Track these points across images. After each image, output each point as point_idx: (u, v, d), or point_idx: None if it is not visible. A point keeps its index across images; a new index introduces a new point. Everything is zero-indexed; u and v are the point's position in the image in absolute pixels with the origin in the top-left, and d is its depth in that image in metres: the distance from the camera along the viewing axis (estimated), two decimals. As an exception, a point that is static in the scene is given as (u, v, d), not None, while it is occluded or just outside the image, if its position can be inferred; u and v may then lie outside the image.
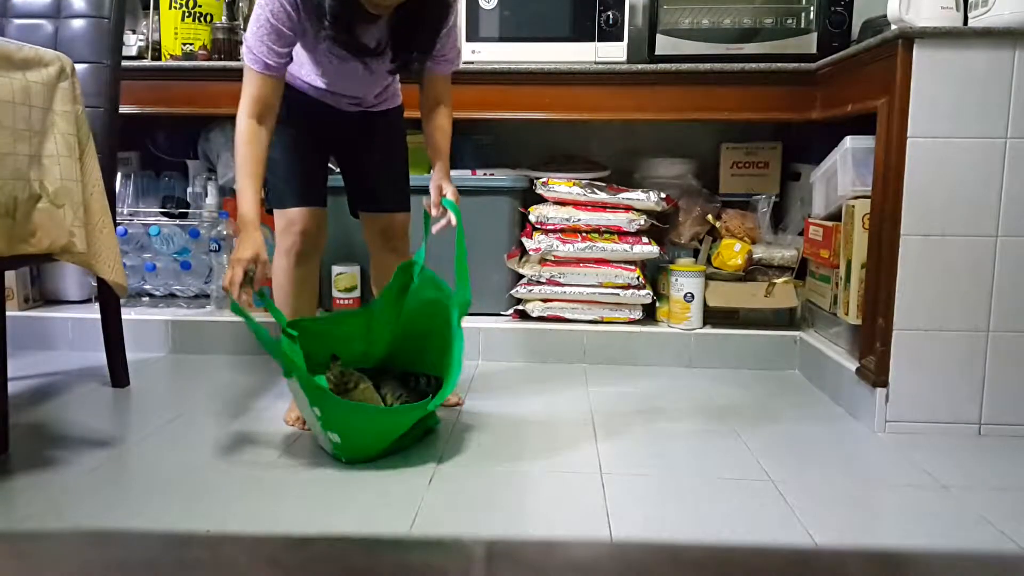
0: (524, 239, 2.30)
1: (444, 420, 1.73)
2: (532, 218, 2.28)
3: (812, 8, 2.19)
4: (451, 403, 1.83)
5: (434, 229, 1.67)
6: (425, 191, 1.70)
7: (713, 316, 2.28)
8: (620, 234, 2.26)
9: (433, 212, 1.67)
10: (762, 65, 2.15)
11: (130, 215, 2.44)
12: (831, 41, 2.17)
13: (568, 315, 2.27)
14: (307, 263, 1.71)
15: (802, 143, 2.39)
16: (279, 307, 1.69)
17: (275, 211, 1.70)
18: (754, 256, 2.27)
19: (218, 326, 2.29)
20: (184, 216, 2.46)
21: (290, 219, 1.67)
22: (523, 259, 2.32)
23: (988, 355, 1.66)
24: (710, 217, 2.34)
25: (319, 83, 1.65)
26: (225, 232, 2.35)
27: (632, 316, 2.27)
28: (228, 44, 2.35)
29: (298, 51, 1.62)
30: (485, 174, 2.37)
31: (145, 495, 1.33)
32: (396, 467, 1.46)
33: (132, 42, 2.37)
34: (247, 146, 1.51)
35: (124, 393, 1.91)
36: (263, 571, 1.06)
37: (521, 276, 2.31)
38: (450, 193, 1.66)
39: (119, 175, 2.28)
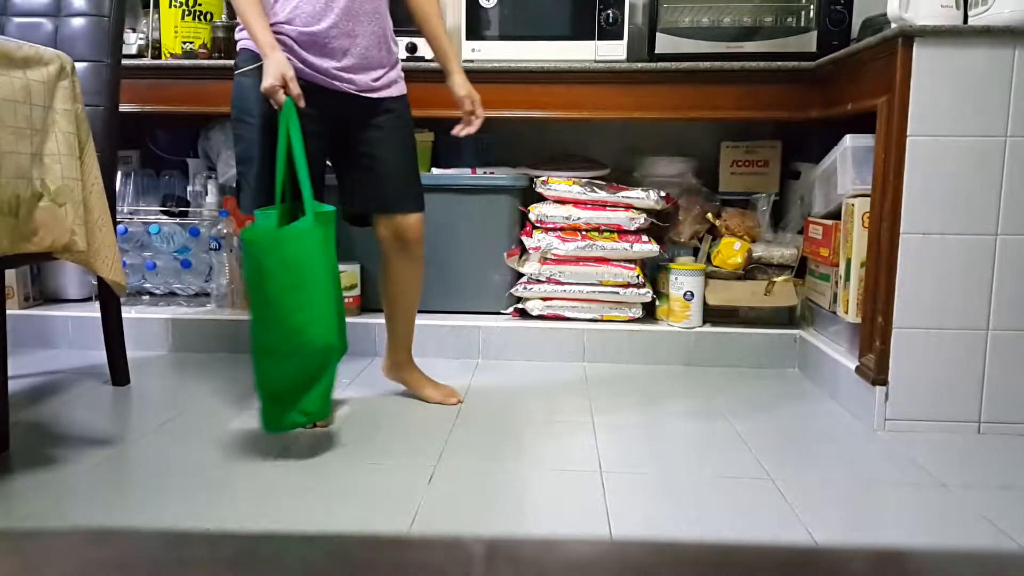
0: (524, 237, 2.30)
1: (443, 419, 1.73)
2: (532, 216, 2.28)
3: (812, 6, 2.19)
4: (451, 402, 1.82)
5: (460, 132, 1.78)
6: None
7: (713, 314, 2.28)
8: (620, 232, 2.26)
9: (465, 122, 1.76)
10: (762, 64, 2.15)
11: (130, 213, 2.44)
12: (831, 39, 2.16)
13: (568, 313, 2.28)
14: None
15: (802, 141, 2.39)
16: None
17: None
18: (754, 254, 2.27)
19: (218, 324, 2.29)
20: (184, 215, 2.46)
21: None
22: (523, 257, 2.32)
23: (987, 353, 1.66)
24: (710, 215, 2.34)
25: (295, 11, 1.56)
26: (225, 231, 2.34)
27: (632, 315, 2.28)
28: (228, 43, 2.35)
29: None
30: (485, 172, 2.36)
31: (145, 494, 1.33)
32: (396, 466, 1.47)
33: (132, 40, 2.37)
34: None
35: (124, 392, 1.91)
36: (263, 570, 1.06)
37: (521, 274, 2.31)
38: (479, 107, 1.76)
39: (119, 174, 2.28)
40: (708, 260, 2.32)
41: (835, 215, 1.97)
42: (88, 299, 2.48)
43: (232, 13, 2.41)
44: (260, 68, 1.53)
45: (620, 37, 2.21)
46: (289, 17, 1.56)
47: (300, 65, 1.57)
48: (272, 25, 1.55)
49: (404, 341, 1.87)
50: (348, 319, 2.28)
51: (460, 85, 1.74)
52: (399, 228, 1.74)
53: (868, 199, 1.76)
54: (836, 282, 1.96)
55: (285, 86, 1.48)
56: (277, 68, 1.48)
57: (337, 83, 1.62)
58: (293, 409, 1.48)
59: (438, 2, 1.75)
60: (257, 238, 1.45)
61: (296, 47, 1.57)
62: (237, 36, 1.64)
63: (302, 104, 1.50)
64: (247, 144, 1.61)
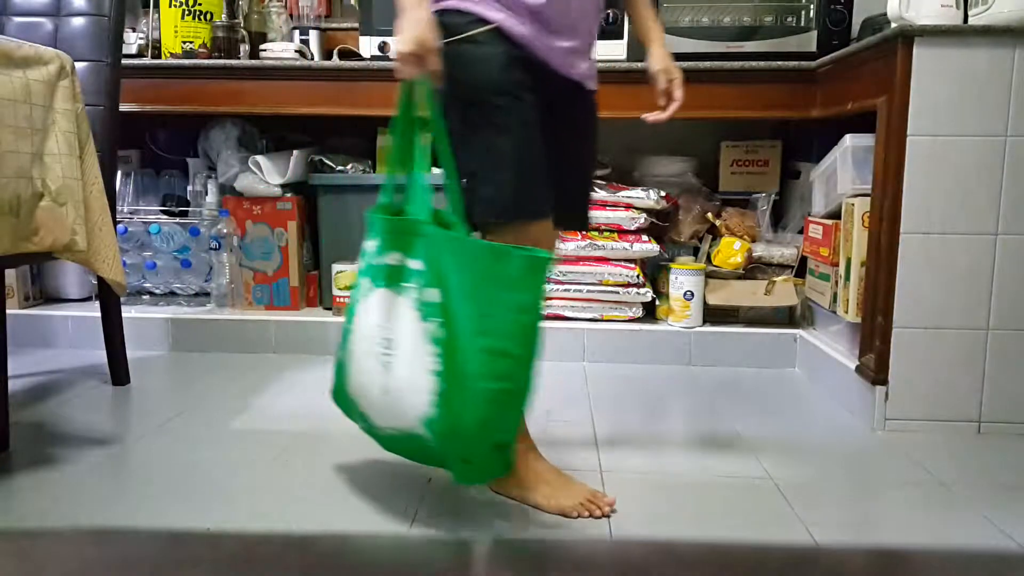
0: (524, 237, 2.30)
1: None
2: (532, 216, 2.28)
3: (812, 6, 2.19)
4: (601, 512, 1.27)
5: (652, 118, 1.46)
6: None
7: (713, 314, 2.28)
8: (620, 232, 2.26)
9: (661, 103, 1.45)
10: (762, 63, 2.15)
11: (130, 213, 2.44)
12: (831, 39, 2.16)
13: (568, 313, 2.27)
14: None
15: (802, 141, 2.39)
16: None
17: (503, 226, 1.22)
18: (754, 254, 2.27)
19: (218, 324, 2.29)
20: (184, 214, 2.46)
21: (534, 238, 1.22)
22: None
23: (988, 353, 1.66)
24: (710, 215, 2.34)
25: None
26: (225, 230, 2.34)
27: (632, 314, 2.28)
28: (228, 42, 2.35)
29: None
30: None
31: (145, 493, 1.33)
32: (396, 466, 1.46)
33: (132, 40, 2.37)
34: None
35: (124, 391, 1.91)
36: (264, 569, 1.07)
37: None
38: (677, 88, 1.45)
39: (119, 173, 2.28)
40: (708, 260, 2.32)
41: (835, 215, 1.97)
42: (88, 299, 2.48)
43: (232, 13, 2.41)
44: (492, 31, 1.21)
45: (620, 37, 2.21)
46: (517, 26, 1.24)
47: (527, 34, 1.24)
48: None
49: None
50: (348, 319, 2.30)
51: (658, 58, 1.45)
52: (556, 238, 1.40)
53: (868, 199, 1.76)
54: (836, 282, 1.96)
55: (423, 57, 1.14)
56: (424, 31, 1.13)
57: (564, 68, 1.31)
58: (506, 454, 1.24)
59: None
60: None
61: (527, 20, 1.24)
62: None
63: (438, 85, 1.19)
64: (493, 131, 1.21)
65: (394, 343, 1.17)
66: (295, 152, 2.35)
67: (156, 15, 2.40)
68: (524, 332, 1.15)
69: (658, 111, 1.46)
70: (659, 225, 2.34)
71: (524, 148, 1.22)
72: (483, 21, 1.21)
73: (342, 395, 1.32)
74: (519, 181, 1.21)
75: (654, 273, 2.38)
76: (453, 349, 1.12)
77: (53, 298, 2.49)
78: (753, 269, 2.28)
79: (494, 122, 1.20)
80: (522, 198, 1.22)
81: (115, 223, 1.79)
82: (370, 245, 1.26)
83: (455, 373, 1.13)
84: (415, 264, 1.17)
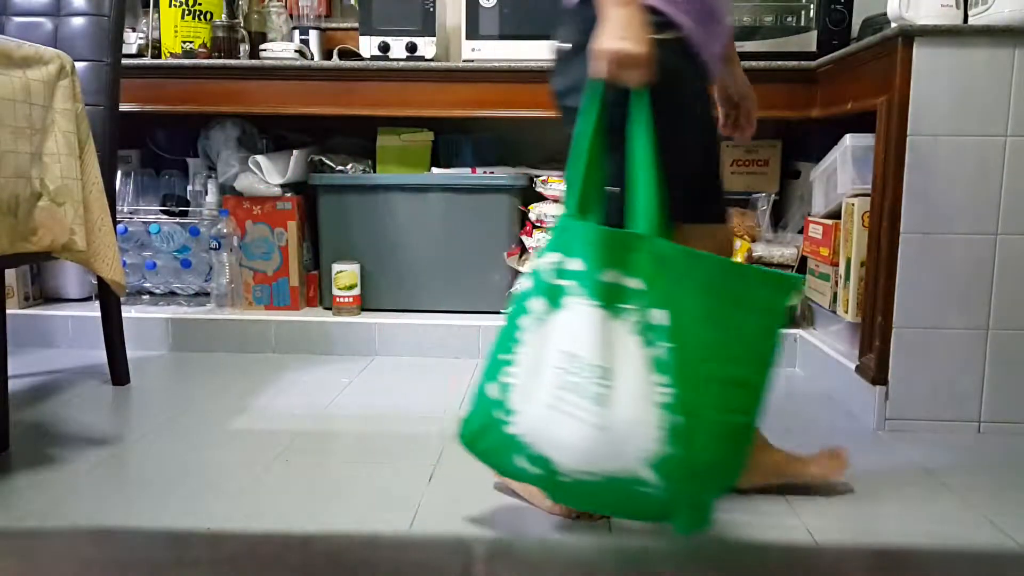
0: (524, 237, 2.30)
1: (444, 419, 1.72)
2: (532, 216, 2.28)
3: (812, 6, 2.19)
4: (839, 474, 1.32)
5: (741, 136, 1.41)
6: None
7: (713, 314, 2.27)
8: (620, 232, 2.26)
9: (744, 122, 1.39)
10: (762, 63, 2.15)
11: (130, 213, 2.45)
12: (831, 39, 2.17)
13: (568, 313, 2.27)
14: None
15: (802, 141, 2.39)
16: None
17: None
18: (754, 254, 2.27)
19: (218, 324, 2.29)
20: (184, 214, 2.46)
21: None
22: (523, 257, 2.32)
23: (988, 353, 1.66)
24: (710, 215, 2.34)
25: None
26: (225, 230, 2.34)
27: (632, 314, 2.27)
28: (228, 42, 2.35)
29: None
30: (485, 172, 2.37)
31: (145, 493, 1.33)
32: (396, 466, 1.47)
33: (132, 40, 2.37)
34: None
35: (124, 391, 1.91)
36: (263, 570, 1.07)
37: (521, 274, 2.31)
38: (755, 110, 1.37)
39: (119, 173, 2.28)
40: (708, 260, 2.32)
41: (835, 215, 1.97)
42: (88, 299, 2.48)
43: (232, 13, 2.41)
44: (676, 38, 1.12)
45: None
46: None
47: (700, 41, 1.17)
48: None
49: None
50: (348, 319, 2.30)
51: (743, 81, 1.39)
52: (726, 241, 1.36)
53: (868, 199, 1.76)
54: (836, 282, 1.96)
55: (645, 60, 1.03)
56: (639, 31, 1.02)
57: (715, 70, 1.25)
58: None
59: None
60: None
61: (704, 21, 1.18)
62: None
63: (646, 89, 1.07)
64: (672, 135, 1.12)
65: (612, 373, 1.02)
66: (295, 152, 2.36)
67: (156, 15, 2.40)
68: (764, 359, 1.03)
69: (732, 128, 1.44)
70: (659, 225, 2.34)
71: (698, 155, 1.23)
72: (670, 24, 1.13)
73: (491, 437, 1.12)
74: (691, 185, 1.22)
75: (654, 273, 2.38)
76: (684, 378, 1.00)
77: (53, 298, 2.49)
78: (753, 269, 2.28)
79: (670, 125, 1.12)
80: (692, 202, 1.22)
81: (115, 223, 1.79)
82: (546, 261, 1.10)
83: (688, 405, 1.00)
84: (634, 283, 1.04)
